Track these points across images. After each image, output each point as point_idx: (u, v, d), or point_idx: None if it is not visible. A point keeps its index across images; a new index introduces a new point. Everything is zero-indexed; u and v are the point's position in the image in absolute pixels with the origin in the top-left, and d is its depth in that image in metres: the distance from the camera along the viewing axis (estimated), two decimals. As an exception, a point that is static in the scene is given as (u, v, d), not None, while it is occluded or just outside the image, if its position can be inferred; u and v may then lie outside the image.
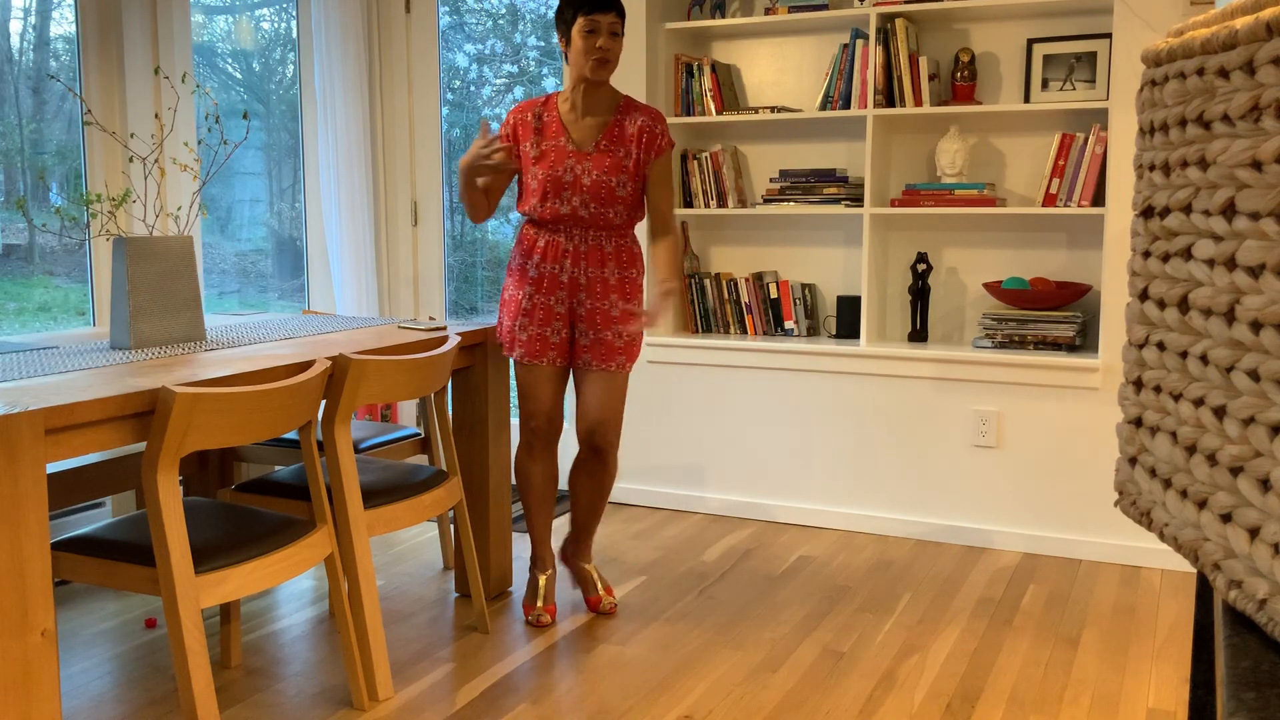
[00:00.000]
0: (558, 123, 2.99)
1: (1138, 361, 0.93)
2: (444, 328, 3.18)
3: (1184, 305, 0.84)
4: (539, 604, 3.14)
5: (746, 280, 4.16)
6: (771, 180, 4.09)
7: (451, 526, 3.68)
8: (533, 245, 3.02)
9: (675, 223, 3.09)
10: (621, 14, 2.93)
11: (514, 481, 3.50)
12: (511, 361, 3.17)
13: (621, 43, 2.95)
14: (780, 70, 4.19)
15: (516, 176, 3.08)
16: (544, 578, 3.18)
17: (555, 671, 2.81)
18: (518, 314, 3.03)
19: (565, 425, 3.31)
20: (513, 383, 3.26)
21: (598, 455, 3.11)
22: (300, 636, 3.05)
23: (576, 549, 3.26)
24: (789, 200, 4.02)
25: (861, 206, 3.90)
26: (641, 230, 4.13)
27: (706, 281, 4.22)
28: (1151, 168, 0.91)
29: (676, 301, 4.27)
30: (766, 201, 4.06)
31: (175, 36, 3.74)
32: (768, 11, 4.04)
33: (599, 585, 3.22)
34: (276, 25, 4.71)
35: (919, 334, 3.96)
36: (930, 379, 3.84)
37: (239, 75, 4.66)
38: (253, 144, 4.51)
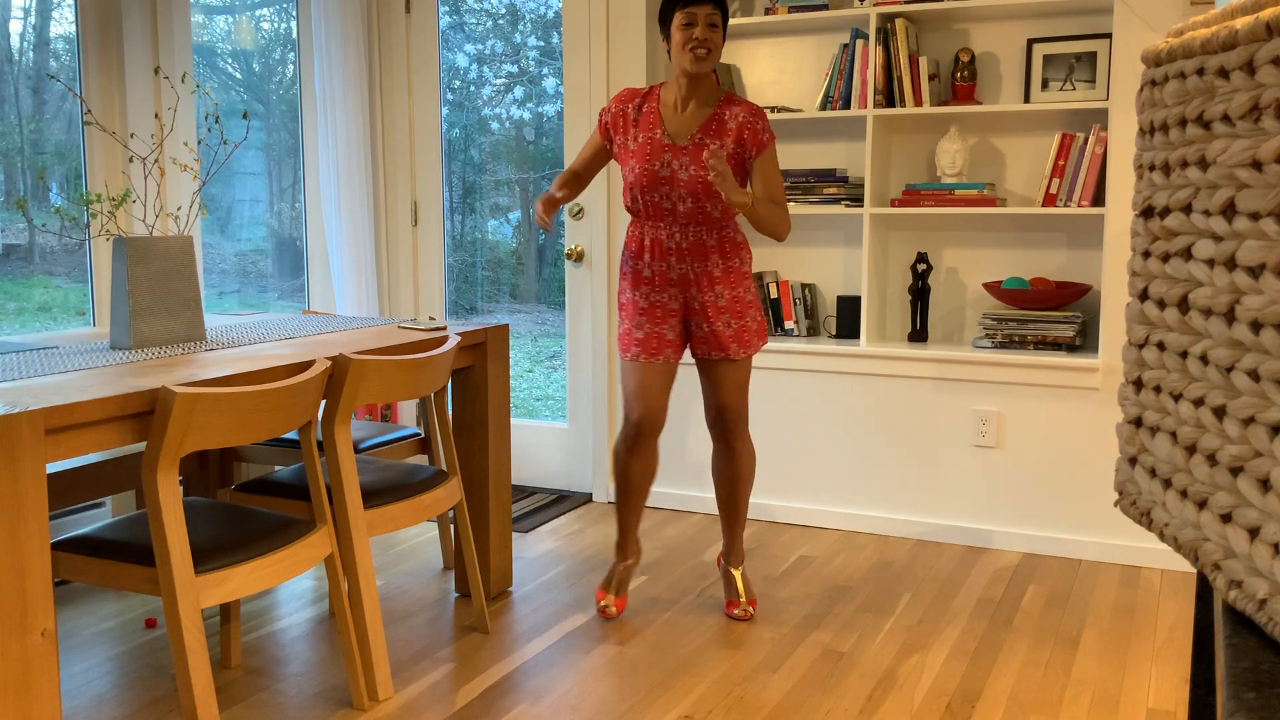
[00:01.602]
0: (656, 114, 3.01)
1: (1138, 361, 0.93)
2: (444, 328, 3.18)
3: (1184, 305, 0.84)
4: (611, 594, 3.18)
5: (746, 280, 4.16)
6: (771, 180, 4.08)
7: (451, 526, 3.68)
8: (640, 245, 3.05)
9: (784, 210, 3.01)
10: (720, 5, 2.94)
11: (611, 473, 3.49)
12: (619, 361, 3.18)
13: (722, 34, 2.95)
14: (780, 70, 4.19)
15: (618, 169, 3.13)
16: (622, 567, 3.22)
17: (555, 671, 2.81)
18: (636, 314, 3.06)
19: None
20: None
21: (725, 440, 3.14)
22: (300, 636, 3.05)
23: (727, 551, 3.26)
24: (789, 200, 4.02)
25: (861, 206, 3.90)
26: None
27: (706, 281, 4.22)
28: (1151, 168, 0.91)
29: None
30: (766, 201, 4.06)
31: (175, 36, 3.74)
32: (768, 11, 4.04)
33: (740, 592, 3.21)
34: (276, 25, 4.71)
35: (919, 334, 3.96)
36: (930, 379, 3.84)
37: (239, 75, 4.66)
38: (253, 144, 4.51)
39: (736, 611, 3.17)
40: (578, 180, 3.14)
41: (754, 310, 3.10)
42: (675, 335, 3.07)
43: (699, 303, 3.03)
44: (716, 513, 4.21)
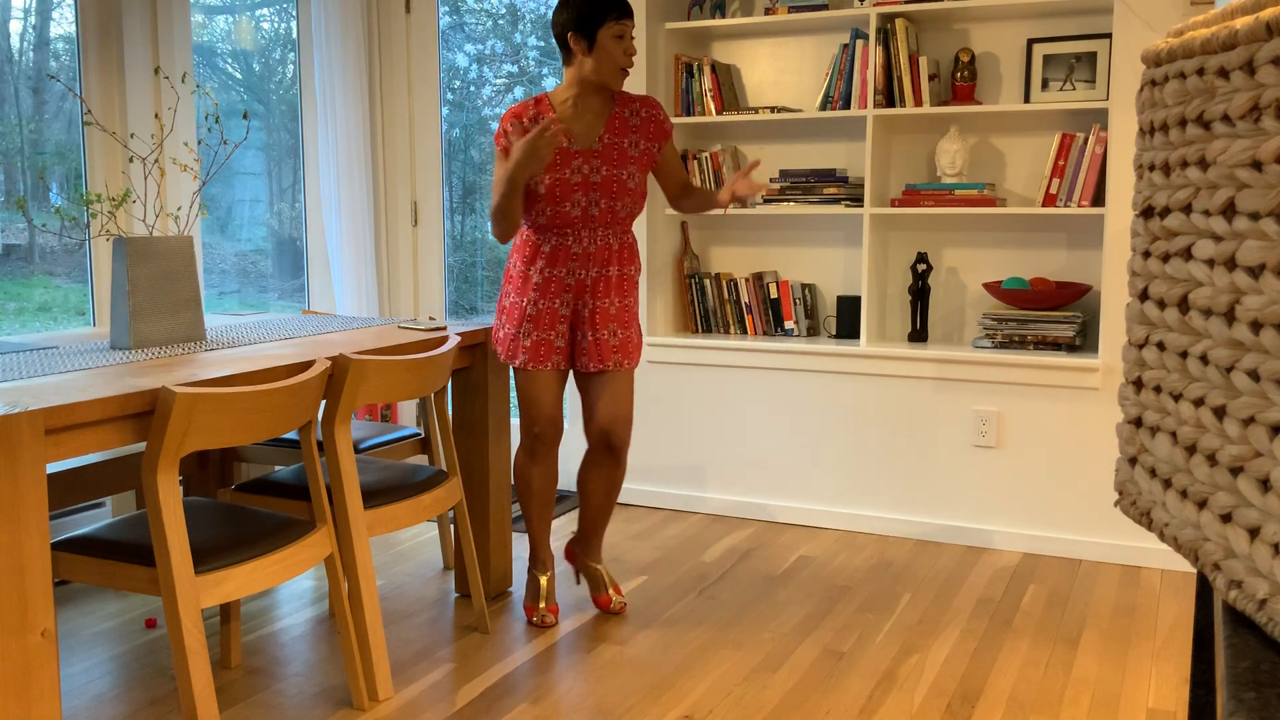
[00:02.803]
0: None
1: (1138, 361, 0.93)
2: (444, 328, 3.18)
3: (1184, 305, 0.84)
4: (542, 605, 3.14)
5: (746, 280, 4.16)
6: (771, 180, 4.09)
7: (451, 526, 3.68)
8: (536, 251, 2.98)
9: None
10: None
11: (514, 484, 3.50)
12: (510, 368, 3.15)
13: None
14: (780, 70, 4.19)
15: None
16: (545, 578, 3.18)
17: (555, 671, 2.81)
18: (521, 321, 2.99)
19: (565, 426, 3.30)
20: (513, 386, 3.25)
21: (612, 454, 3.10)
22: (300, 636, 3.05)
23: (585, 549, 3.26)
24: (789, 200, 4.02)
25: (861, 206, 3.90)
26: (638, 226, 4.13)
27: (706, 281, 4.22)
28: (1151, 168, 0.91)
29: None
30: (766, 201, 4.06)
31: (175, 36, 3.74)
32: (768, 11, 4.04)
33: (608, 585, 3.22)
34: (276, 25, 4.71)
35: (919, 334, 3.96)
36: (930, 379, 3.84)
37: (239, 75, 4.66)
38: (253, 144, 4.51)
39: (614, 605, 3.18)
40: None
41: (637, 323, 3.08)
42: (563, 343, 3.01)
43: (589, 309, 2.99)
44: (714, 513, 4.21)
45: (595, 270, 2.98)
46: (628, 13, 2.88)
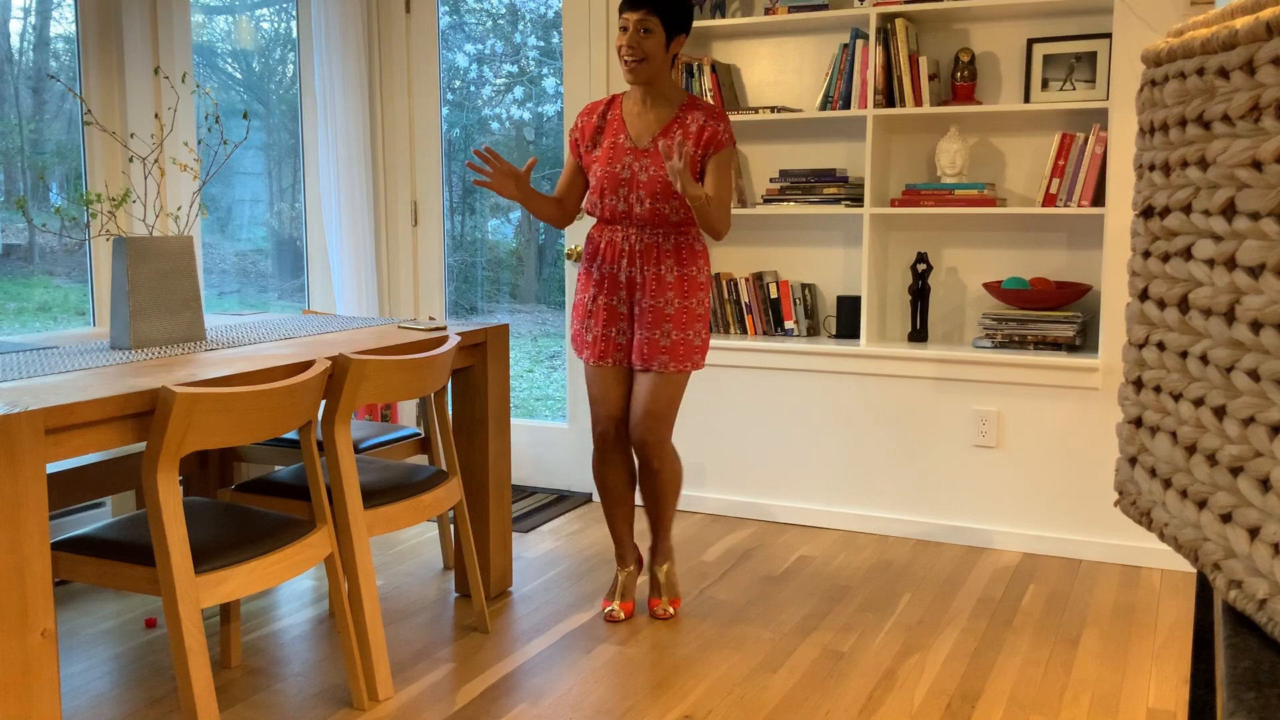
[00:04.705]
0: (619, 120, 3.02)
1: (1138, 361, 0.93)
2: (444, 328, 3.18)
3: (1184, 305, 0.84)
4: (616, 601, 3.17)
5: (746, 280, 4.16)
6: (771, 180, 4.09)
7: (451, 526, 3.68)
8: (596, 248, 3.04)
9: (726, 211, 2.89)
10: (655, 9, 2.87)
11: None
12: (581, 365, 3.16)
13: (654, 40, 2.88)
14: (780, 70, 4.19)
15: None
16: (623, 575, 3.21)
17: (555, 671, 2.81)
18: (585, 316, 3.06)
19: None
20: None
21: (641, 458, 3.09)
22: (300, 636, 3.05)
23: (653, 550, 3.26)
24: (789, 200, 4.02)
25: (861, 206, 3.90)
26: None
27: (706, 281, 4.22)
28: (1151, 168, 0.91)
29: None
30: (766, 201, 4.06)
31: (175, 36, 3.74)
32: (768, 11, 4.04)
33: (662, 591, 3.20)
34: (276, 25, 4.71)
35: (919, 334, 3.96)
36: (930, 379, 3.84)
37: (239, 75, 4.66)
38: (253, 144, 4.51)
39: (658, 611, 3.17)
40: (558, 205, 3.13)
41: (700, 325, 3.02)
42: (625, 340, 3.03)
43: (640, 307, 2.99)
44: (714, 513, 4.21)
45: (647, 269, 2.98)
46: (628, 7, 2.89)
